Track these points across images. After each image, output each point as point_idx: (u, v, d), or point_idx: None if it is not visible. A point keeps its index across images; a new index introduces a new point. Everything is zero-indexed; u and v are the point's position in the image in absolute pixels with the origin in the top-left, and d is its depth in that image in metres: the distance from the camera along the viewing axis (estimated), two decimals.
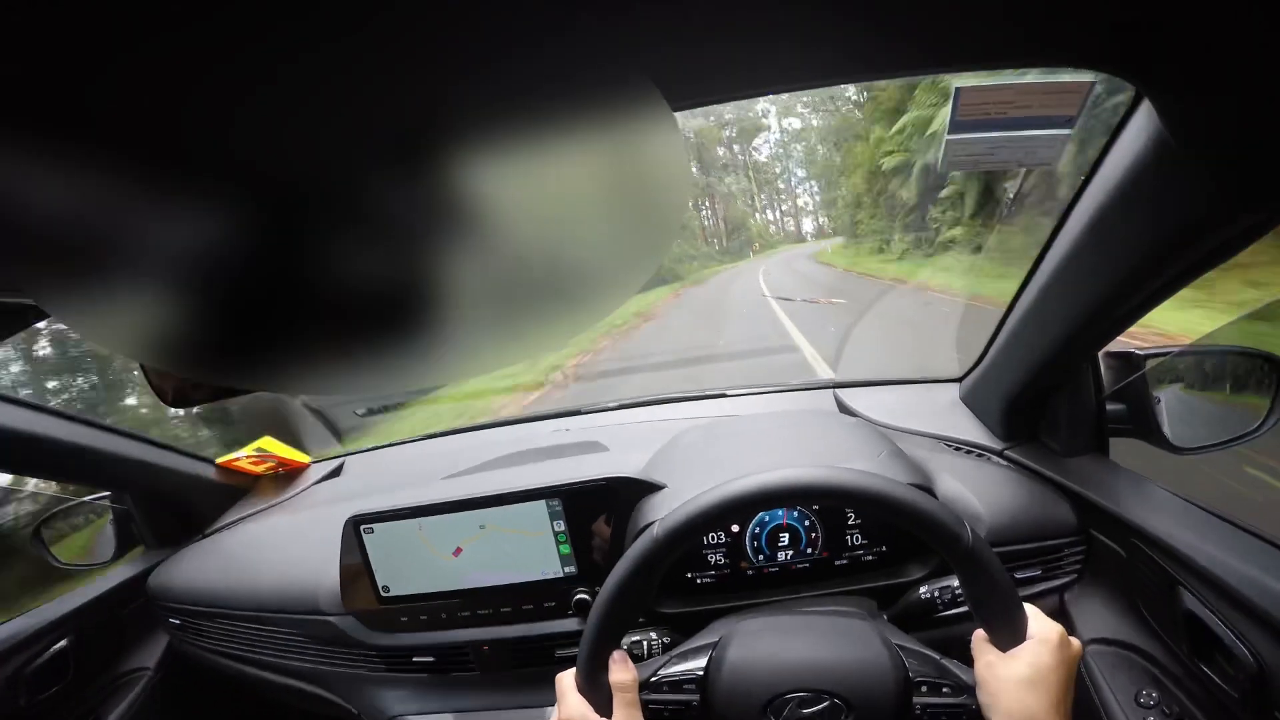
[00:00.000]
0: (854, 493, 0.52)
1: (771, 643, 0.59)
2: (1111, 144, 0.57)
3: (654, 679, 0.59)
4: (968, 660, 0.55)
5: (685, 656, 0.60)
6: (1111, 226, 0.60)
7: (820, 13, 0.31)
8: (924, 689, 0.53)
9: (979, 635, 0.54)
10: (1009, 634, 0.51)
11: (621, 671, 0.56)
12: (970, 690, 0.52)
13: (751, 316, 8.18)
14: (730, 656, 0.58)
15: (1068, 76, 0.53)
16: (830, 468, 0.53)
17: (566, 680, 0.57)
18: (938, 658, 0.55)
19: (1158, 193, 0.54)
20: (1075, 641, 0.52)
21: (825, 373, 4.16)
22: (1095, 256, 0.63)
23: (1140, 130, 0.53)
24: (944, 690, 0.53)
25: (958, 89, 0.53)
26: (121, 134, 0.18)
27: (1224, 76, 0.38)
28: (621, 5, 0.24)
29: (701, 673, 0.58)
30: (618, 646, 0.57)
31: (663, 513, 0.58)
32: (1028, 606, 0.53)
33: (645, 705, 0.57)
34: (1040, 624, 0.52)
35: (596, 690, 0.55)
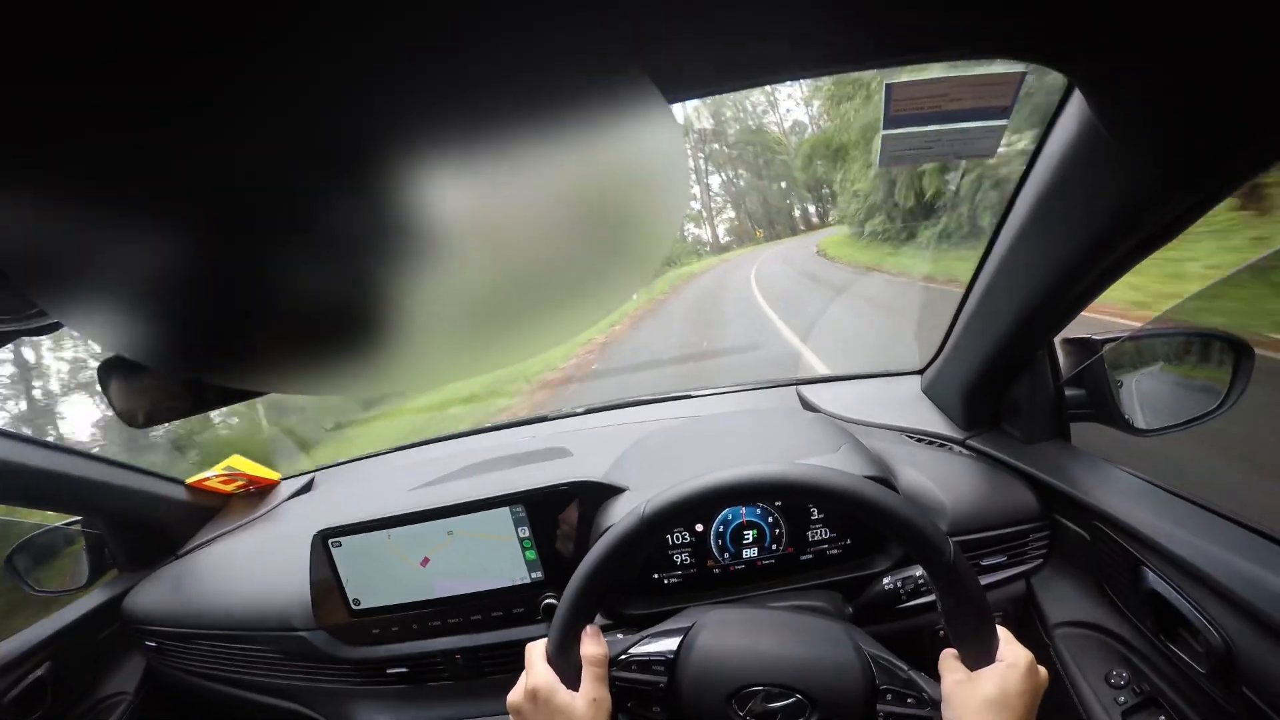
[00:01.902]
0: (839, 495, 0.52)
1: (744, 634, 0.60)
2: (1047, 134, 0.58)
3: (623, 657, 0.58)
4: (935, 675, 0.55)
5: (657, 638, 0.60)
6: (1053, 214, 0.61)
7: (753, 10, 0.31)
8: (889, 697, 0.53)
9: (948, 653, 0.54)
10: (979, 654, 0.51)
11: (594, 645, 0.56)
12: (935, 704, 0.52)
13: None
14: (701, 642, 0.58)
15: (999, 68, 0.53)
16: (820, 469, 0.54)
17: (536, 650, 0.57)
18: (905, 669, 0.55)
19: (1093, 180, 0.55)
20: (1043, 670, 0.52)
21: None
22: (1040, 244, 0.64)
23: (1072, 119, 0.54)
24: (908, 701, 0.53)
25: (888, 85, 0.53)
26: (63, 150, 0.18)
27: (1147, 66, 0.39)
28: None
29: (672, 656, 0.58)
30: (591, 621, 0.57)
31: (621, 515, 0.58)
32: (1001, 630, 0.53)
33: (612, 683, 0.56)
34: (1011, 648, 0.52)
35: (566, 662, 0.55)
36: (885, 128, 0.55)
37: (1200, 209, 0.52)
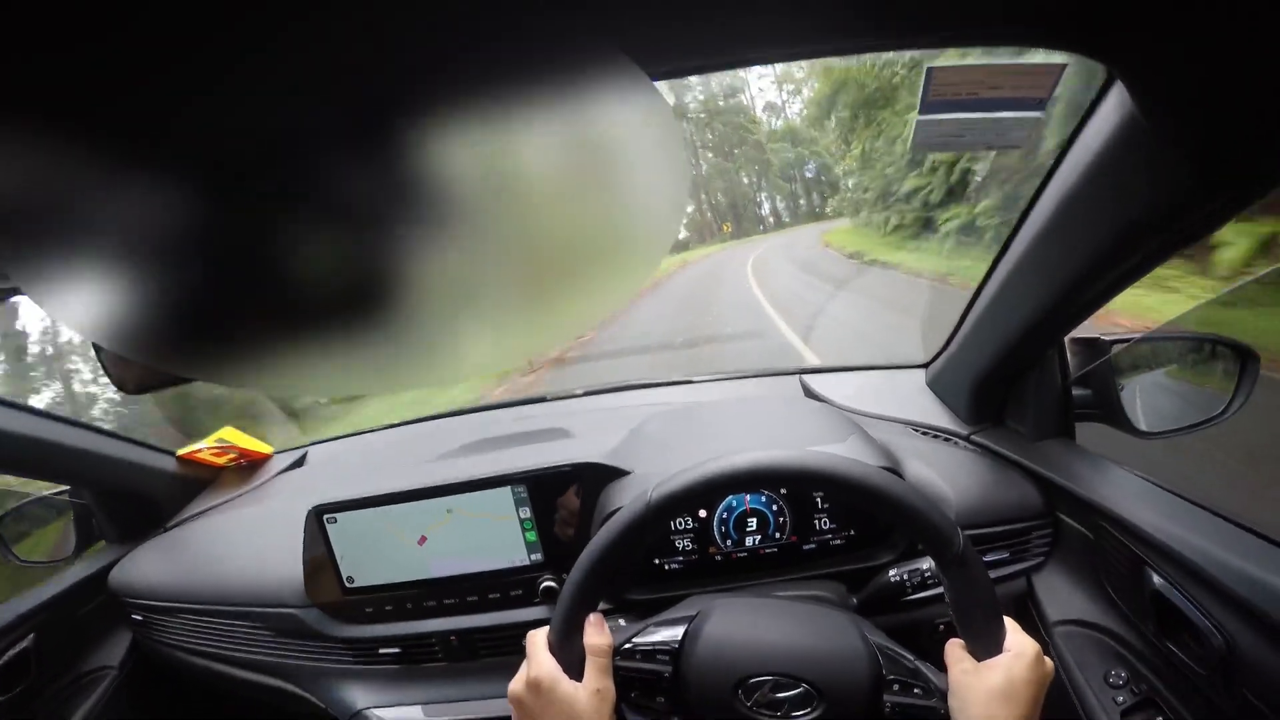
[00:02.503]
0: (848, 483, 0.52)
1: (749, 623, 0.59)
2: (1082, 126, 0.57)
3: (627, 646, 0.58)
4: (942, 665, 0.55)
5: (661, 627, 0.59)
6: (1082, 209, 0.60)
7: None
8: (896, 687, 0.53)
9: (954, 643, 0.54)
10: (987, 644, 0.51)
11: (598, 635, 0.55)
12: (941, 694, 0.52)
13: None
14: (707, 631, 0.57)
15: (1039, 58, 0.52)
16: (827, 456, 0.53)
17: (538, 638, 0.56)
18: (912, 659, 0.55)
19: (1129, 175, 0.54)
20: (1049, 661, 0.52)
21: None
22: (1064, 240, 0.63)
23: (1112, 112, 0.53)
24: (915, 691, 0.52)
25: (930, 69, 0.52)
26: (67, 109, 0.17)
27: (1194, 57, 0.38)
28: None
29: (676, 645, 0.57)
30: (594, 610, 0.56)
31: (628, 498, 0.57)
32: (1007, 621, 0.53)
33: (616, 672, 0.56)
34: (1018, 639, 0.52)
35: (569, 651, 0.54)
36: (921, 112, 0.54)
37: (1231, 209, 0.51)
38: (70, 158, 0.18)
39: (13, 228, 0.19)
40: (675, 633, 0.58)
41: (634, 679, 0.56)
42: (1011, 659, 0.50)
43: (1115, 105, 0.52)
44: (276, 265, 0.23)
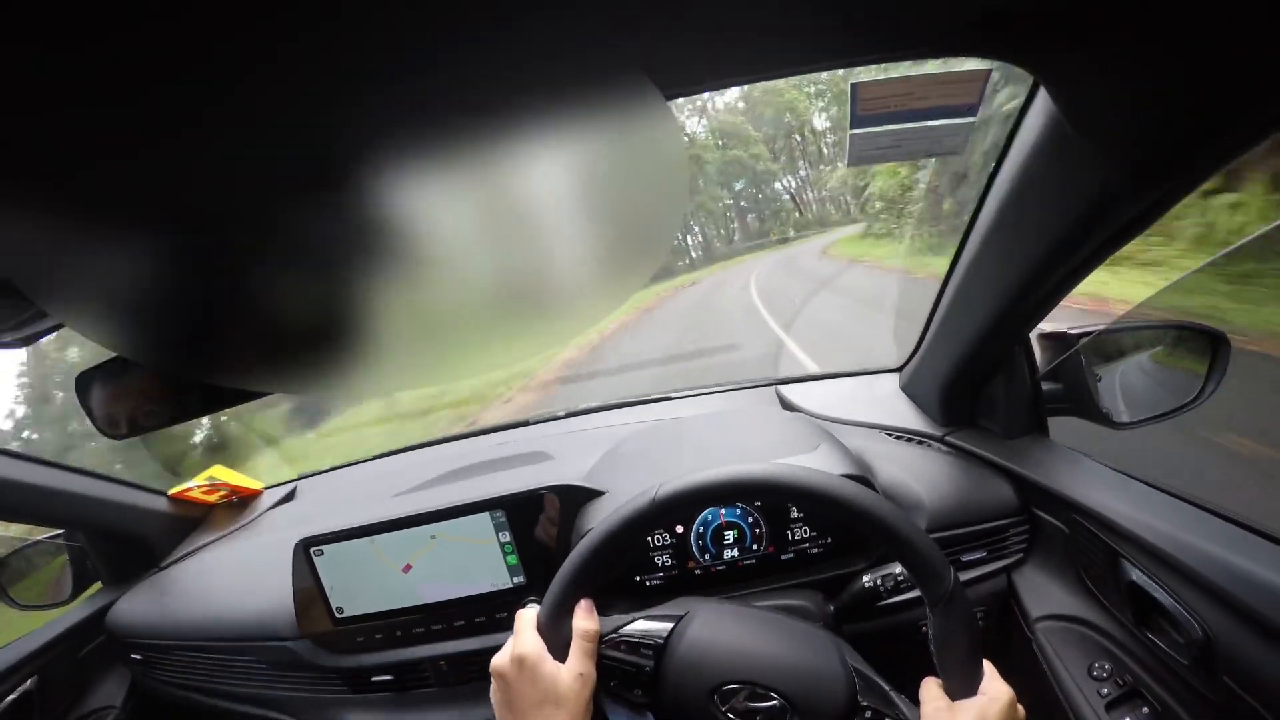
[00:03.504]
0: (850, 508, 0.52)
1: (735, 630, 0.59)
2: (1014, 131, 0.58)
3: (613, 635, 0.58)
4: (924, 669, 0.55)
5: (648, 621, 0.60)
6: (1021, 212, 0.61)
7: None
8: (868, 714, 0.53)
9: (930, 680, 0.54)
10: (963, 684, 0.52)
11: (587, 620, 0.56)
12: None
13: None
14: (692, 632, 0.58)
15: (964, 66, 0.53)
16: (837, 478, 0.54)
17: (527, 616, 0.57)
18: (887, 688, 0.55)
19: (1060, 176, 0.55)
20: (1021, 709, 0.52)
21: None
22: (1009, 242, 0.64)
23: (1038, 116, 0.54)
24: (885, 719, 0.53)
25: (854, 84, 0.53)
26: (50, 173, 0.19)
27: (1109, 60, 0.39)
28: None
29: (661, 640, 0.57)
30: (586, 596, 0.57)
31: (600, 520, 0.58)
32: (985, 664, 0.53)
33: (598, 660, 0.56)
34: (994, 683, 0.52)
35: (556, 633, 0.55)
36: (853, 127, 0.55)
37: (1165, 204, 0.52)
38: (84, 214, 0.20)
39: (49, 273, 0.21)
40: (662, 628, 0.58)
41: (615, 668, 0.57)
42: (986, 702, 0.50)
43: (1041, 109, 0.53)
44: (273, 289, 0.25)
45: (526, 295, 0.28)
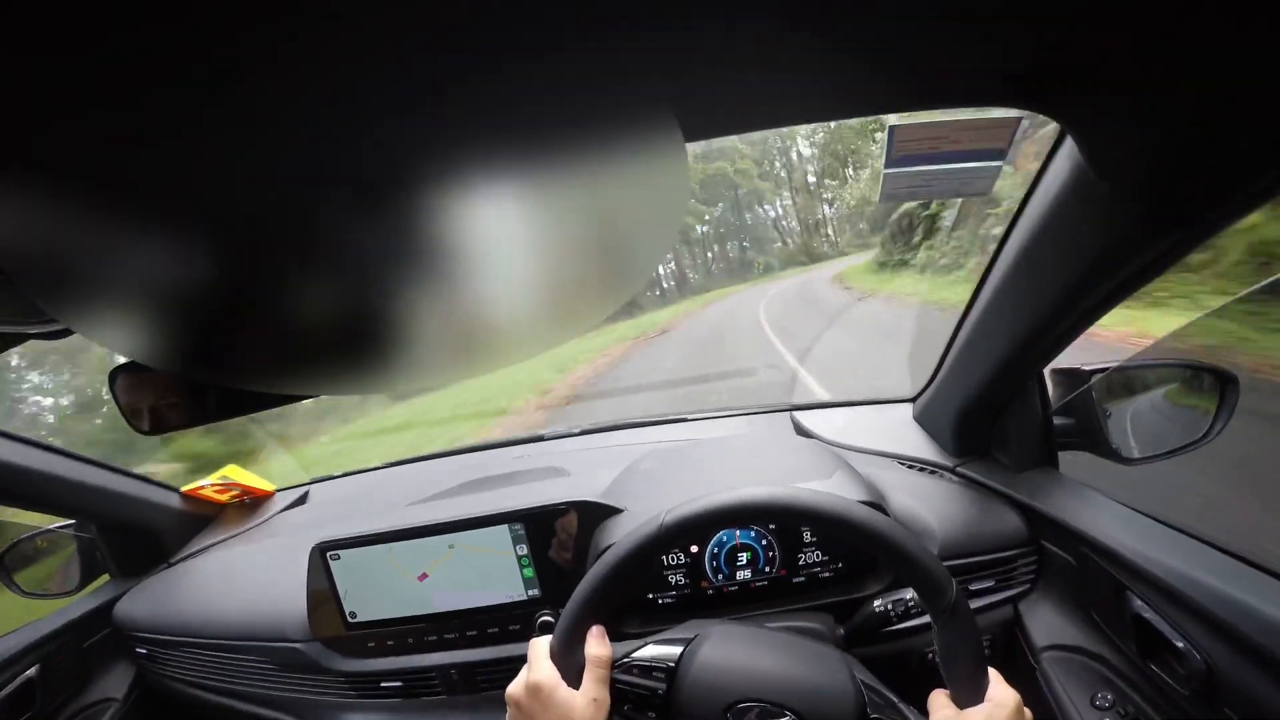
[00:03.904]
0: (854, 526, 0.53)
1: (745, 649, 0.60)
2: (1040, 175, 0.60)
3: (625, 660, 0.59)
4: (929, 691, 0.56)
5: (660, 645, 0.61)
6: (1041, 253, 0.62)
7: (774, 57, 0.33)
8: None
9: (937, 691, 0.55)
10: (970, 693, 0.53)
11: (599, 646, 0.56)
12: None
13: None
14: (704, 653, 0.59)
15: (996, 113, 0.55)
16: (840, 499, 0.55)
17: (541, 646, 0.57)
18: (896, 701, 0.56)
19: (1080, 221, 0.56)
20: (1028, 712, 0.54)
21: None
22: (1029, 281, 0.66)
23: (1064, 162, 0.56)
24: None
25: (891, 127, 0.55)
26: (96, 175, 0.19)
27: (1133, 114, 0.41)
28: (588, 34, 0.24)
29: (673, 663, 0.58)
30: (598, 622, 0.57)
31: (619, 536, 0.59)
32: (991, 671, 0.54)
33: (612, 685, 0.57)
34: (1000, 689, 0.53)
35: (570, 660, 0.56)
36: (887, 167, 0.57)
37: (1182, 249, 0.54)
38: (103, 212, 0.20)
39: (61, 274, 0.22)
40: (673, 651, 0.59)
41: (629, 693, 0.57)
42: (992, 708, 0.51)
43: (1066, 156, 0.55)
44: (300, 295, 0.25)
45: (544, 292, 0.29)
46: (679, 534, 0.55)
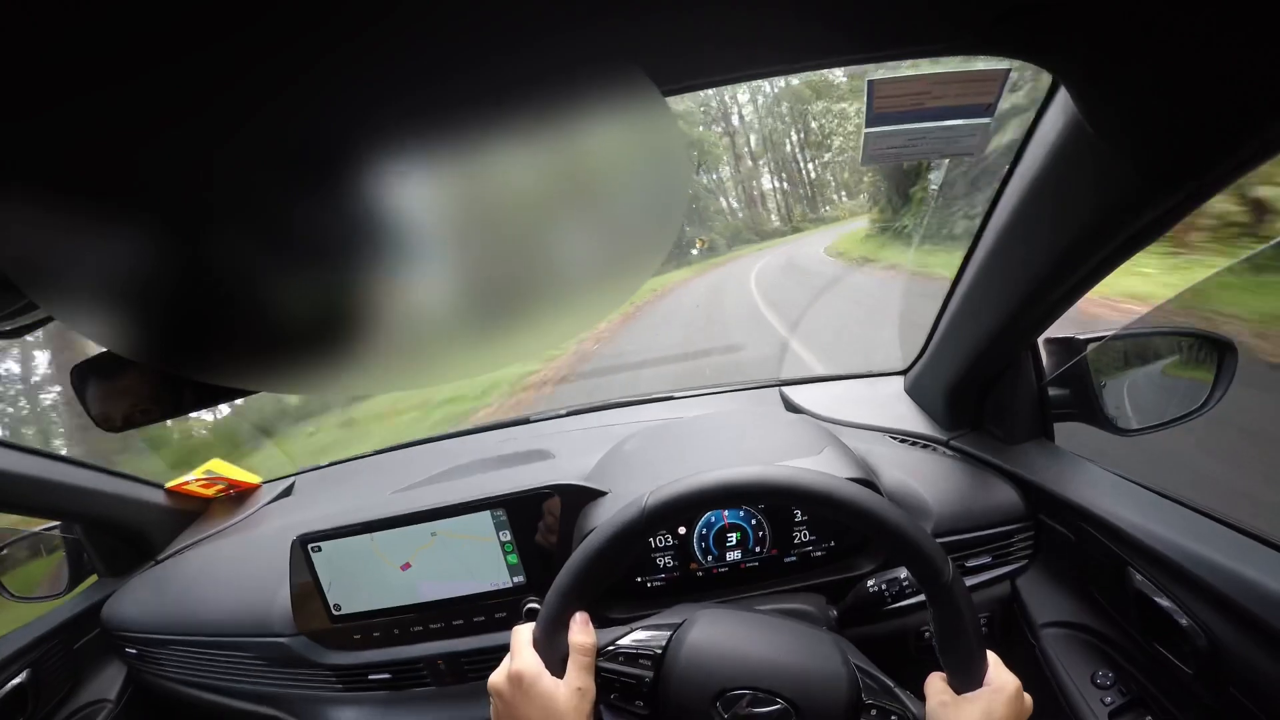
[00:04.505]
0: (844, 505, 0.52)
1: (734, 635, 0.59)
2: (1031, 133, 0.57)
3: (610, 648, 0.58)
4: (927, 671, 0.55)
5: (646, 631, 0.59)
6: (1036, 214, 0.60)
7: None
8: (873, 712, 0.53)
9: (934, 675, 0.54)
10: (967, 677, 0.51)
11: (582, 634, 0.55)
12: None
13: None
14: (691, 639, 0.57)
15: (981, 65, 0.52)
16: (827, 476, 0.53)
17: (524, 634, 0.56)
18: (891, 685, 0.55)
19: (1077, 179, 0.54)
20: (1028, 697, 0.52)
21: None
22: (1022, 245, 0.63)
23: (1057, 117, 0.53)
24: (891, 716, 0.52)
25: (870, 81, 0.52)
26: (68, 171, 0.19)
27: (1133, 60, 0.38)
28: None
29: (660, 650, 0.57)
30: (581, 609, 0.56)
31: (603, 519, 0.58)
32: (989, 655, 0.53)
33: (597, 673, 0.56)
34: (999, 673, 0.52)
35: (553, 648, 0.54)
36: (867, 125, 0.54)
37: (1181, 210, 0.51)
38: (90, 210, 0.20)
39: (41, 266, 0.21)
40: (660, 638, 0.58)
41: (615, 681, 0.56)
42: (991, 694, 0.50)
43: (1060, 110, 0.52)
44: (270, 285, 0.24)
45: (524, 294, 0.27)
46: (662, 517, 0.54)
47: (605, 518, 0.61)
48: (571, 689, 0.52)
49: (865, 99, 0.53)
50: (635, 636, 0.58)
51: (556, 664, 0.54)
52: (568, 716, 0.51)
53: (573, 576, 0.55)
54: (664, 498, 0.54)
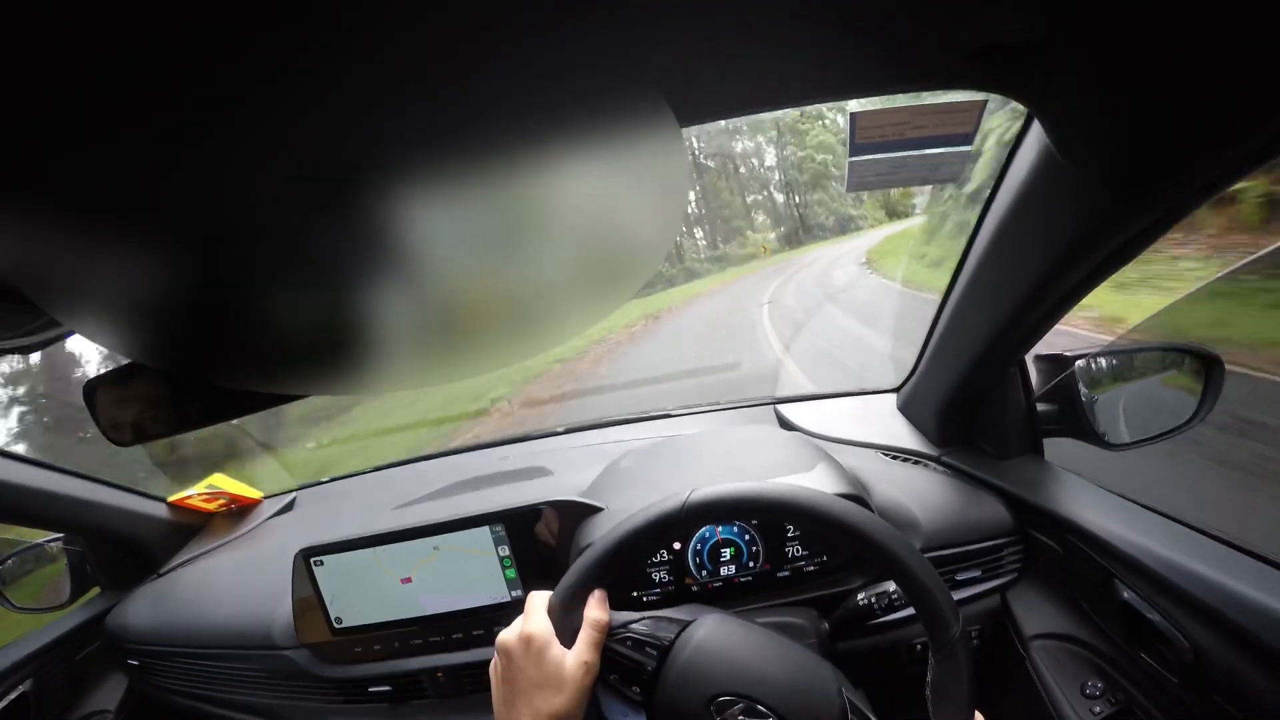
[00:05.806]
0: (877, 545, 0.53)
1: (739, 643, 0.59)
2: (1010, 160, 0.59)
3: (621, 631, 0.58)
4: (921, 685, 0.55)
5: (658, 622, 0.60)
6: (1015, 237, 0.62)
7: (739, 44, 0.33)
8: None
9: None
10: None
11: (599, 610, 0.56)
12: None
13: None
14: (699, 638, 0.58)
15: (959, 96, 0.54)
16: (863, 512, 0.54)
17: (540, 600, 0.56)
18: None
19: (1052, 203, 0.56)
20: None
21: None
22: (1004, 267, 0.65)
23: (1032, 146, 0.55)
24: None
25: (852, 114, 0.54)
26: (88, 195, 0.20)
27: (1096, 94, 0.40)
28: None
29: (667, 643, 0.57)
30: (601, 587, 0.57)
31: (598, 535, 0.58)
32: (977, 715, 0.53)
33: (603, 651, 0.56)
34: None
35: (567, 618, 0.55)
36: (851, 155, 0.56)
37: (1153, 233, 0.53)
38: (104, 233, 0.21)
39: (63, 285, 0.22)
40: (669, 630, 0.58)
41: (618, 663, 0.57)
42: None
43: (1035, 140, 0.54)
44: (279, 299, 0.25)
45: (526, 298, 0.28)
46: (701, 515, 0.55)
47: (600, 533, 0.62)
48: (579, 661, 0.53)
49: (847, 131, 0.55)
50: (647, 625, 0.59)
51: (568, 634, 0.54)
52: (568, 686, 0.52)
53: (602, 554, 0.55)
54: (705, 497, 0.54)
